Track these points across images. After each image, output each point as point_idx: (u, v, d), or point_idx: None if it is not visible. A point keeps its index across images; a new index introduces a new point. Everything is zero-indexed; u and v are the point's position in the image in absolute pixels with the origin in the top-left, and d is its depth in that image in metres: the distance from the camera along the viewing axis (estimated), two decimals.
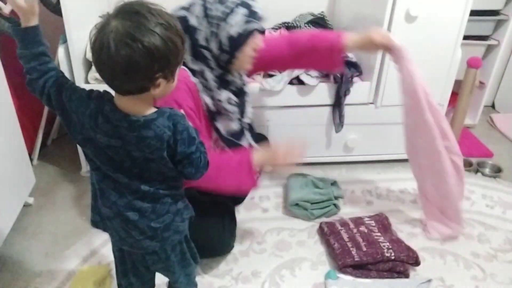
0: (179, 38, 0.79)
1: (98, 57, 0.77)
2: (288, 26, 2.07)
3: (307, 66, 1.57)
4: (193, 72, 1.23)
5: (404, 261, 1.37)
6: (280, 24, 2.08)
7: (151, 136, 0.83)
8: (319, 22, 2.06)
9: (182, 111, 0.90)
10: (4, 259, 1.43)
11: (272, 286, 1.35)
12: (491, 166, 1.99)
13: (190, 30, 1.18)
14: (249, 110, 1.39)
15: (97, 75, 1.62)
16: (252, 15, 1.17)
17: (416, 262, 1.38)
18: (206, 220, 1.33)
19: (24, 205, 1.59)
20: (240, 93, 1.33)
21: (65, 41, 1.61)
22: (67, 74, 1.60)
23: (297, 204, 1.62)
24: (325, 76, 1.79)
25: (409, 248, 1.40)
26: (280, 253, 1.47)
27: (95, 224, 1.02)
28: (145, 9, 0.76)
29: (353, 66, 1.82)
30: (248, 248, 1.49)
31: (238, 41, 1.17)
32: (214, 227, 1.37)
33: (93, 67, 1.66)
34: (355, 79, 1.81)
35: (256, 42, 1.22)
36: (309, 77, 1.74)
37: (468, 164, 1.99)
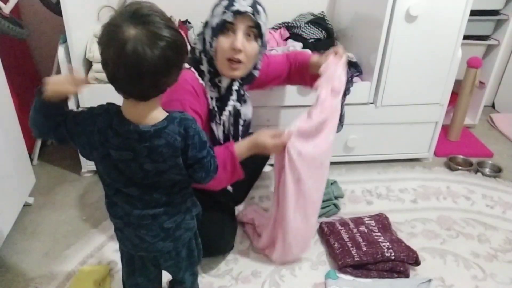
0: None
1: (130, 65, 0.75)
2: (288, 26, 2.07)
3: (296, 81, 1.58)
4: (202, 72, 1.27)
5: (404, 261, 1.37)
6: (280, 24, 2.08)
7: (163, 144, 0.83)
8: (319, 22, 2.06)
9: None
10: (4, 259, 1.43)
11: (272, 286, 1.35)
12: (491, 166, 1.99)
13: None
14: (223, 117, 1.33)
15: (97, 75, 1.64)
16: (229, 7, 1.18)
17: (416, 262, 1.38)
18: (207, 219, 1.34)
19: (24, 205, 1.59)
20: (223, 100, 1.31)
21: (65, 41, 1.61)
22: None
23: None
24: None
25: (409, 248, 1.40)
26: None
27: None
28: (147, 8, 0.78)
29: (353, 66, 1.83)
30: (248, 248, 1.49)
31: (213, 31, 1.21)
32: (214, 226, 1.37)
33: (93, 67, 1.65)
34: (355, 79, 1.81)
35: (232, 41, 1.19)
36: None
37: (468, 164, 1.99)
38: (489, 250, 1.50)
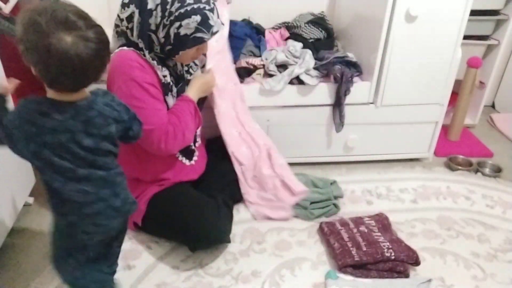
0: None
1: (75, 69, 0.83)
2: (288, 26, 2.07)
3: None
4: (138, 48, 1.30)
5: (404, 261, 1.37)
6: (280, 24, 2.08)
7: (96, 115, 0.92)
8: (319, 22, 2.06)
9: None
10: (4, 259, 1.43)
11: (272, 286, 1.35)
12: (491, 166, 1.99)
13: (144, 10, 1.23)
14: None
15: None
16: (205, 25, 1.24)
17: (416, 262, 1.38)
18: (201, 205, 1.36)
19: (24, 205, 1.59)
20: (179, 78, 1.44)
21: None
22: None
23: (297, 204, 1.62)
24: (325, 76, 1.79)
25: (409, 248, 1.40)
26: (280, 253, 1.47)
27: None
28: (72, 13, 0.85)
29: (353, 66, 1.83)
30: (248, 248, 1.49)
31: (183, 42, 1.26)
32: (209, 212, 1.39)
33: None
34: (355, 79, 1.81)
35: (203, 49, 1.35)
36: (309, 77, 1.74)
37: (468, 164, 1.99)
38: (489, 250, 1.50)
